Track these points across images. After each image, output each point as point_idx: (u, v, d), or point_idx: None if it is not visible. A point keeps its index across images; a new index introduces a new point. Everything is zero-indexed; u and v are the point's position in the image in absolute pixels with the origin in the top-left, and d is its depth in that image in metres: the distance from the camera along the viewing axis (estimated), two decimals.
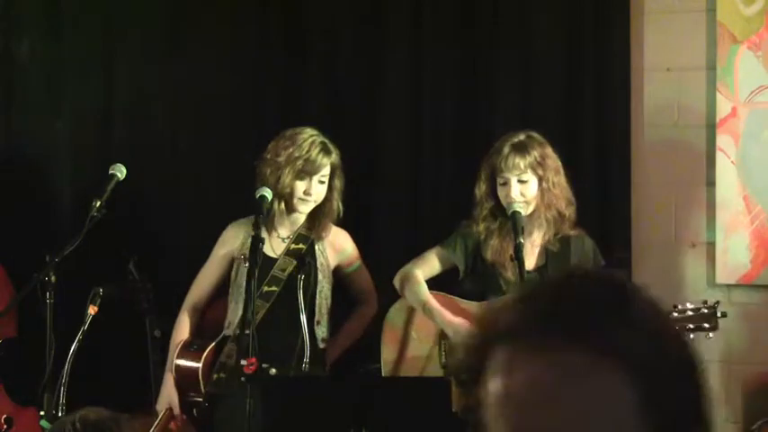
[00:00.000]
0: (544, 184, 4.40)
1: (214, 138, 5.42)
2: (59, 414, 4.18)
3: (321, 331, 4.57)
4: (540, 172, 4.40)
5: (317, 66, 5.62)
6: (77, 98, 5.64)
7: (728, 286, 5.17)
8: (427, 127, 5.49)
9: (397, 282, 4.62)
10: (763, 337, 5.12)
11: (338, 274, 4.70)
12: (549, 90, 5.34)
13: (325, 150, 4.56)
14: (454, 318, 4.46)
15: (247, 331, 4.20)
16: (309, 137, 4.57)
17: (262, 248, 4.39)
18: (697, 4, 5.23)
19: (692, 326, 4.23)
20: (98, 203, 4.43)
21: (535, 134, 4.47)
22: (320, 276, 4.59)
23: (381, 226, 5.49)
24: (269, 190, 4.53)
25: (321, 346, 4.56)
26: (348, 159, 5.55)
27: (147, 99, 5.67)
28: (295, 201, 4.55)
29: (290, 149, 4.53)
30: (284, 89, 5.64)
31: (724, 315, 4.24)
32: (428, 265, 4.60)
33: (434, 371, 4.49)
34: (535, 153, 4.40)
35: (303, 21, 5.64)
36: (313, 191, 4.54)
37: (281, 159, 4.53)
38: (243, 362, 4.14)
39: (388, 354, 4.59)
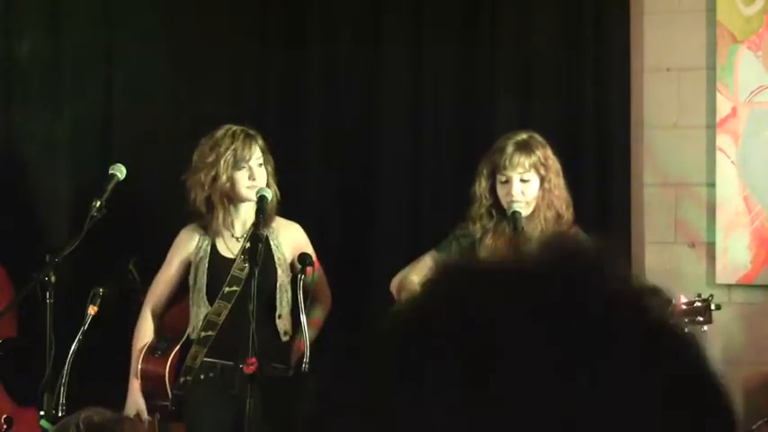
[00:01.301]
0: (546, 185, 4.40)
1: None
2: (59, 414, 4.17)
3: (283, 325, 4.56)
4: (543, 172, 4.39)
5: (317, 66, 5.62)
6: (77, 98, 5.64)
7: (728, 286, 5.17)
8: (427, 127, 5.49)
9: (393, 288, 4.61)
10: (763, 337, 5.12)
11: (295, 274, 4.58)
12: (548, 90, 5.34)
13: (249, 136, 4.57)
14: None
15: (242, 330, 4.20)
16: (227, 129, 4.57)
17: (261, 248, 4.39)
18: (697, 4, 5.23)
19: (686, 320, 4.23)
20: (98, 203, 4.43)
21: (537, 135, 4.47)
22: (279, 271, 4.58)
23: (381, 226, 5.49)
24: (269, 190, 4.53)
25: (284, 339, 4.56)
26: (348, 159, 5.57)
27: (147, 99, 5.67)
28: (243, 191, 4.53)
29: (216, 149, 4.53)
30: (284, 89, 5.64)
31: (718, 308, 4.23)
32: (424, 270, 4.59)
33: None
34: (539, 153, 4.39)
35: (303, 20, 5.64)
36: (256, 175, 4.54)
37: (211, 160, 4.53)
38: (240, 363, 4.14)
39: None
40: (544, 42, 5.35)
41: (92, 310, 4.32)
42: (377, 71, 5.55)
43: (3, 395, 5.16)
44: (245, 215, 4.57)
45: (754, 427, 4.92)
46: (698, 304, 4.23)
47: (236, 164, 4.52)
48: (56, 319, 4.32)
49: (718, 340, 5.16)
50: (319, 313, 4.73)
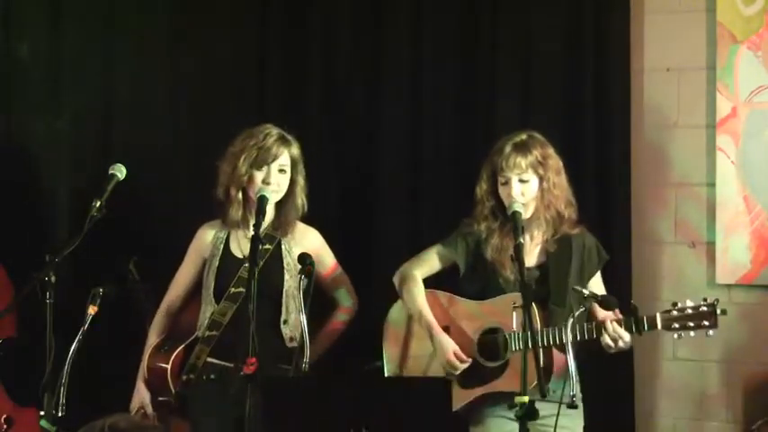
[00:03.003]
0: (544, 184, 4.40)
1: (214, 138, 5.41)
2: (59, 414, 4.18)
3: (288, 330, 4.55)
4: (541, 171, 4.40)
5: (317, 67, 5.62)
6: (77, 98, 5.64)
7: (728, 286, 5.17)
8: (427, 127, 5.49)
9: (396, 281, 4.61)
10: (763, 337, 5.12)
11: (317, 280, 4.52)
12: (549, 90, 5.34)
13: (282, 140, 4.57)
14: (443, 335, 4.46)
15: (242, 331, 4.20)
16: (266, 128, 4.60)
17: (261, 249, 4.39)
18: (697, 4, 5.23)
19: (691, 324, 4.21)
20: (98, 203, 4.43)
21: (537, 134, 4.47)
22: (286, 276, 4.58)
23: (382, 226, 5.49)
24: (269, 190, 4.53)
25: (288, 345, 4.55)
26: (349, 160, 5.57)
27: (147, 98, 5.67)
28: (252, 192, 4.55)
29: (246, 141, 4.56)
30: (285, 88, 5.64)
31: (724, 312, 4.21)
32: (428, 264, 4.60)
33: (437, 369, 4.48)
34: (537, 153, 4.40)
35: (303, 22, 5.64)
36: (272, 179, 4.53)
37: (237, 150, 4.56)
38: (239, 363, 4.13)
39: (392, 352, 4.59)
40: (544, 42, 5.35)
41: (92, 310, 4.32)
42: (377, 72, 5.55)
43: (3, 395, 5.16)
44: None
45: (754, 427, 4.92)
46: (704, 309, 4.21)
47: (257, 162, 4.52)
48: (56, 319, 4.32)
49: (719, 340, 5.16)
50: (342, 316, 4.74)
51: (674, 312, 4.22)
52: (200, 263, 4.70)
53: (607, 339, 4.21)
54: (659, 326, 4.21)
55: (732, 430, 5.15)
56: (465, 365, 4.40)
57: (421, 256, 4.62)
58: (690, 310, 4.21)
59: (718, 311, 4.19)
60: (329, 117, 5.59)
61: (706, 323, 4.20)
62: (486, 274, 4.46)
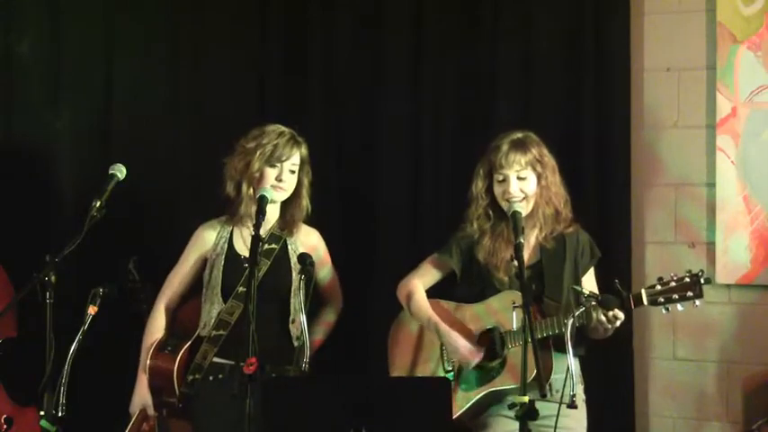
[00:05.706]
0: (543, 182, 4.42)
1: (214, 138, 5.43)
2: (59, 414, 4.18)
3: (295, 329, 4.56)
4: (539, 169, 4.42)
5: (317, 67, 5.62)
6: (77, 97, 5.64)
7: (728, 286, 5.17)
8: (427, 127, 5.49)
9: (400, 296, 4.62)
10: (763, 337, 5.12)
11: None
12: (549, 90, 5.34)
13: (294, 140, 4.61)
14: (452, 334, 4.47)
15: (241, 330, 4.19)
16: (277, 128, 4.63)
17: (264, 248, 4.40)
18: (697, 4, 5.24)
19: (676, 296, 4.23)
20: (98, 203, 4.43)
21: (532, 134, 4.49)
22: (294, 275, 4.59)
23: (382, 226, 5.49)
24: (269, 189, 4.54)
25: (295, 344, 4.56)
26: (349, 160, 5.57)
27: (147, 99, 5.67)
28: (258, 190, 4.56)
29: (259, 139, 4.58)
30: (285, 88, 5.64)
31: (708, 282, 4.23)
32: (428, 275, 4.62)
33: (441, 374, 4.50)
34: (534, 151, 4.43)
35: (303, 21, 5.64)
36: (284, 177, 4.56)
37: (250, 147, 4.57)
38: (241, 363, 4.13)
39: (400, 357, 4.60)
40: (544, 42, 5.35)
41: (92, 310, 4.32)
42: (377, 73, 5.55)
43: (3, 395, 5.16)
44: (269, 215, 4.57)
45: (755, 427, 4.92)
46: (687, 279, 4.23)
47: (270, 160, 4.55)
48: (56, 319, 4.32)
49: (718, 340, 5.17)
50: (330, 316, 4.75)
51: (659, 286, 4.24)
52: (201, 262, 4.70)
53: (601, 317, 4.22)
54: (645, 301, 4.23)
55: (732, 430, 5.15)
56: (479, 358, 4.41)
57: (419, 268, 4.64)
58: (674, 283, 4.24)
59: (702, 281, 4.21)
60: (329, 117, 5.59)
61: (690, 294, 4.22)
62: (482, 278, 4.46)
